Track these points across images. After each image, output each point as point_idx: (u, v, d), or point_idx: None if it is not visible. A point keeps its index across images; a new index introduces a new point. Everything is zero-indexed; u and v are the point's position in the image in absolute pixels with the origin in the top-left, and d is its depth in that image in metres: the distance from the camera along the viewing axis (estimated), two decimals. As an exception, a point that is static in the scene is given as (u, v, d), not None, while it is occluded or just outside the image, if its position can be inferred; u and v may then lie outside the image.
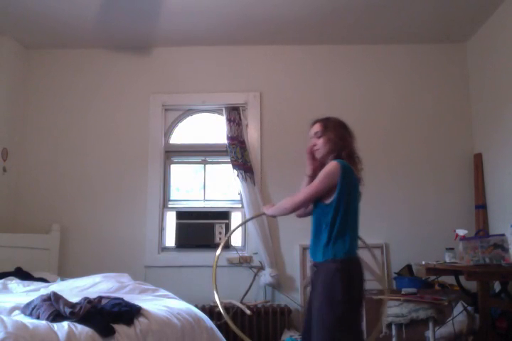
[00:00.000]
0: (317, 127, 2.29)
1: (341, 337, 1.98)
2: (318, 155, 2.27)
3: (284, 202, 2.25)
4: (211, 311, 3.57)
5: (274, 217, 2.52)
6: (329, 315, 1.99)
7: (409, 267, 3.82)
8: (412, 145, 4.17)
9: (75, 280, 3.03)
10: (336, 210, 2.08)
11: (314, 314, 2.05)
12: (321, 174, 2.13)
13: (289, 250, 3.98)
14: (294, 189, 3.96)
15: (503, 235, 2.71)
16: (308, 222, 2.26)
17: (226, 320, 2.42)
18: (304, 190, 2.17)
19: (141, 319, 2.14)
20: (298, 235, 3.82)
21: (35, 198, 4.12)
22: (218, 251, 2.49)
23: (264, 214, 2.44)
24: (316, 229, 2.17)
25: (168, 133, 4.30)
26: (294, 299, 3.88)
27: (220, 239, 4.01)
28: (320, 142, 2.25)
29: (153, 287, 2.95)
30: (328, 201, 2.12)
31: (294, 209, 2.23)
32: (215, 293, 2.40)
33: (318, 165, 2.27)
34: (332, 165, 2.13)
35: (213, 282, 2.43)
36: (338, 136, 2.23)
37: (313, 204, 2.22)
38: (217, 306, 3.63)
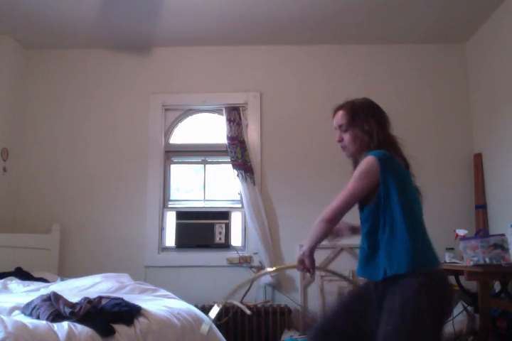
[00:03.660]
0: (341, 118, 1.81)
1: None
2: (347, 153, 1.84)
3: (318, 220, 1.73)
4: (211, 311, 3.57)
5: (310, 268, 1.78)
6: None
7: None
8: (412, 146, 4.08)
9: (75, 280, 3.03)
10: (387, 209, 1.68)
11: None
12: (356, 172, 1.71)
13: (289, 250, 3.97)
14: (294, 189, 4.04)
15: (503, 235, 2.71)
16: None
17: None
18: (340, 195, 1.71)
19: (141, 319, 2.14)
20: (298, 235, 3.81)
21: (35, 198, 4.12)
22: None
23: (298, 265, 1.80)
24: (370, 238, 1.72)
25: (168, 133, 4.30)
26: (294, 299, 3.88)
27: (220, 239, 4.02)
28: (346, 138, 1.80)
29: (153, 287, 2.95)
30: (374, 201, 1.72)
31: (335, 220, 1.72)
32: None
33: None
34: (367, 160, 1.70)
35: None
36: (368, 130, 1.77)
37: (360, 210, 1.80)
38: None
